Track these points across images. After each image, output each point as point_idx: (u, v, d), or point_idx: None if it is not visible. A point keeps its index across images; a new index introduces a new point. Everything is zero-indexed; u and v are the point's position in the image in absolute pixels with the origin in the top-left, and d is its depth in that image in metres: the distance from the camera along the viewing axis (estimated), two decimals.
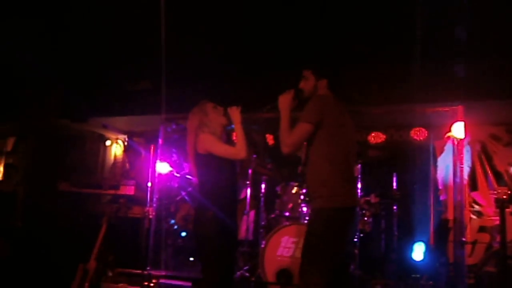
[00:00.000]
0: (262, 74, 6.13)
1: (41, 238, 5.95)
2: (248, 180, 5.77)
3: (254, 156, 5.68)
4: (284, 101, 3.22)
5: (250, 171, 5.70)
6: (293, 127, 3.13)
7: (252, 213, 6.09)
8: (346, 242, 3.12)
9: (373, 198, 5.71)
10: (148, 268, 5.69)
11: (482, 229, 6.19)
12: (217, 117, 3.47)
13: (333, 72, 3.37)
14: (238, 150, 3.34)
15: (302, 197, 5.32)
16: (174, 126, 6.01)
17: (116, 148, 8.15)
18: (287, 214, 5.38)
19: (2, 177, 7.66)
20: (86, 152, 7.87)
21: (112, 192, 6.27)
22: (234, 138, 3.74)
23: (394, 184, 5.98)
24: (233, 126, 3.44)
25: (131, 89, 6.90)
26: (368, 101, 5.72)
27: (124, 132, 8.02)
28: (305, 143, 3.19)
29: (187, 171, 6.33)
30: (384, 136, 6.63)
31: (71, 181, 6.62)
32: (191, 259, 6.26)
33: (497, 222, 4.90)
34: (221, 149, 3.36)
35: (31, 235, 6.07)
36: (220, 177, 3.37)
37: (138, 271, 5.59)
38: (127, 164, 8.03)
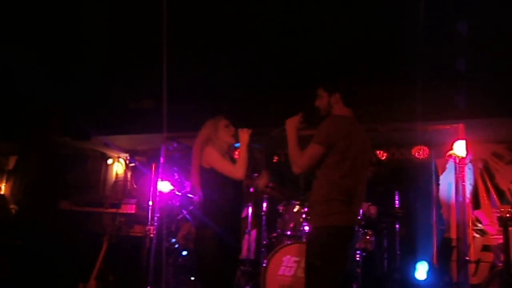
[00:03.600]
0: (264, 94, 6.16)
1: (41, 257, 5.92)
2: (250, 199, 5.75)
3: (256, 174, 5.67)
4: (291, 124, 3.25)
5: (251, 189, 5.67)
6: (302, 147, 3.15)
7: (253, 232, 6.05)
8: (345, 260, 3.10)
9: (372, 210, 5.66)
10: (148, 287, 5.64)
11: (485, 248, 6.14)
12: (226, 136, 3.51)
13: (347, 84, 3.37)
14: (236, 169, 3.36)
15: (304, 215, 5.29)
16: (175, 145, 6.01)
17: (117, 167, 8.15)
18: (288, 233, 5.34)
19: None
20: (87, 171, 7.87)
21: (113, 210, 6.26)
22: (236, 156, 3.74)
23: (397, 202, 5.95)
24: (238, 144, 3.46)
25: (133, 108, 6.93)
26: (370, 119, 5.73)
27: (125, 151, 8.03)
28: None
29: (188, 189, 6.31)
30: (386, 154, 6.62)
31: (72, 200, 6.61)
32: (192, 278, 6.20)
33: (501, 241, 4.86)
34: (220, 164, 3.39)
35: (31, 254, 6.03)
36: (224, 194, 3.38)
37: None
38: (129, 183, 8.02)
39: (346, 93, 3.25)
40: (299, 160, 3.10)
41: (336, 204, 3.04)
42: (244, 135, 3.43)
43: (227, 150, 3.54)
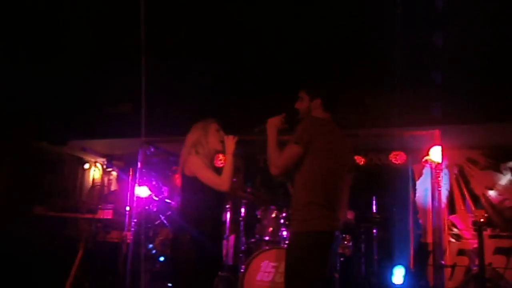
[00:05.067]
0: (245, 98, 6.15)
1: (15, 263, 5.79)
2: (227, 204, 5.73)
3: (234, 180, 5.65)
4: (272, 123, 3.22)
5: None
6: (281, 150, 3.12)
7: (232, 238, 6.03)
8: (326, 266, 3.08)
9: (349, 214, 5.68)
10: None
11: (461, 252, 6.24)
12: (215, 142, 3.43)
13: (329, 90, 3.35)
14: (222, 181, 3.29)
15: (282, 221, 5.30)
16: (153, 149, 5.96)
17: (94, 172, 8.05)
18: (267, 238, 5.34)
19: None
20: (64, 176, 7.75)
21: (90, 216, 6.17)
22: (219, 163, 3.71)
23: (374, 207, 6.00)
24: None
25: (110, 112, 6.85)
26: (346, 124, 5.76)
27: (103, 155, 7.94)
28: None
29: (166, 194, 6.26)
30: (364, 160, 6.67)
31: (48, 205, 6.50)
32: (169, 284, 6.15)
33: (476, 245, 4.93)
34: (205, 176, 3.30)
35: (4, 260, 5.90)
36: (204, 200, 3.32)
37: None
38: (106, 188, 7.93)
39: (327, 99, 3.26)
40: (277, 160, 3.07)
41: (316, 208, 3.02)
42: (230, 142, 3.37)
43: (213, 158, 3.47)
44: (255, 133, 3.33)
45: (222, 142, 3.42)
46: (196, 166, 3.31)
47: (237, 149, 3.41)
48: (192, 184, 3.33)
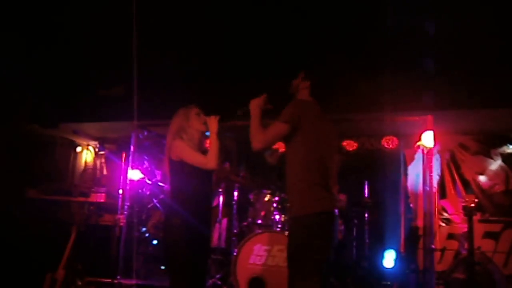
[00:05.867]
0: (237, 82, 6.13)
1: (8, 247, 5.80)
2: (220, 188, 5.75)
3: (227, 163, 5.67)
4: (255, 104, 3.24)
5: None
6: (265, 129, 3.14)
7: (224, 221, 6.06)
8: (330, 247, 3.09)
9: (342, 197, 5.73)
10: (118, 277, 5.60)
11: (450, 236, 6.32)
12: (197, 124, 3.51)
13: (319, 79, 3.39)
14: (208, 160, 3.36)
15: (274, 205, 5.33)
16: (146, 133, 5.95)
17: (86, 155, 8.02)
18: (259, 222, 5.38)
19: None
20: (56, 159, 7.71)
21: (82, 199, 6.16)
22: (207, 145, 3.73)
23: (366, 192, 6.04)
24: (209, 133, 3.46)
25: (103, 95, 6.80)
26: (339, 109, 5.78)
27: (95, 139, 7.90)
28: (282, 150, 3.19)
29: (159, 178, 6.27)
30: (356, 144, 6.70)
31: (40, 188, 6.47)
32: (162, 267, 6.19)
33: (465, 230, 4.99)
34: (191, 157, 3.38)
35: None
36: (193, 183, 3.37)
37: (108, 280, 5.50)
38: (98, 171, 7.91)
39: (315, 84, 3.31)
40: (260, 135, 3.10)
41: (315, 189, 3.03)
42: (213, 122, 3.45)
43: (199, 140, 3.53)
44: (238, 116, 3.37)
45: (205, 123, 3.49)
46: (180, 148, 3.39)
47: (229, 133, 3.46)
48: (179, 168, 3.39)
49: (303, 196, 3.04)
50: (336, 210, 3.20)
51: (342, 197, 5.75)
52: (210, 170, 3.42)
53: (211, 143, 3.40)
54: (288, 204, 5.02)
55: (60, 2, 5.28)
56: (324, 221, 3.02)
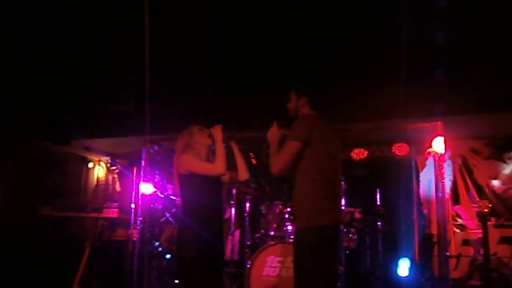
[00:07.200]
0: (246, 94, 6.16)
1: (23, 264, 5.83)
2: (232, 200, 5.75)
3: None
4: (272, 135, 3.32)
5: (234, 190, 5.69)
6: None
7: (237, 233, 6.05)
8: (334, 260, 3.12)
9: (356, 214, 5.72)
10: None
11: (465, 242, 6.25)
12: (202, 138, 3.57)
13: (315, 89, 3.43)
14: (216, 166, 3.43)
15: (286, 215, 5.32)
16: (156, 148, 5.98)
17: (98, 170, 8.07)
18: (272, 233, 5.36)
19: None
20: (68, 175, 7.77)
21: (95, 215, 6.18)
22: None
23: (378, 200, 6.01)
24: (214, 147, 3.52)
25: (113, 111, 6.86)
26: (350, 118, 5.78)
27: (107, 154, 7.96)
28: None
29: (170, 192, 6.28)
30: (367, 152, 6.68)
31: (53, 205, 6.51)
32: (176, 281, 6.18)
33: (480, 235, 4.95)
34: (199, 166, 3.45)
35: (12, 261, 5.94)
36: (203, 196, 3.41)
37: None
38: (110, 186, 7.95)
39: (313, 97, 3.34)
40: (276, 159, 3.16)
41: (321, 202, 3.05)
42: (217, 130, 3.52)
43: (206, 154, 3.57)
44: (255, 127, 3.42)
45: (210, 135, 3.56)
46: (188, 161, 3.45)
47: (238, 145, 3.53)
48: (188, 181, 3.44)
49: (309, 208, 3.07)
50: (341, 225, 3.22)
51: (357, 213, 5.74)
52: (220, 180, 3.48)
53: (218, 150, 3.47)
54: (291, 217, 5.05)
55: (72, 19, 5.35)
56: (329, 235, 3.05)
